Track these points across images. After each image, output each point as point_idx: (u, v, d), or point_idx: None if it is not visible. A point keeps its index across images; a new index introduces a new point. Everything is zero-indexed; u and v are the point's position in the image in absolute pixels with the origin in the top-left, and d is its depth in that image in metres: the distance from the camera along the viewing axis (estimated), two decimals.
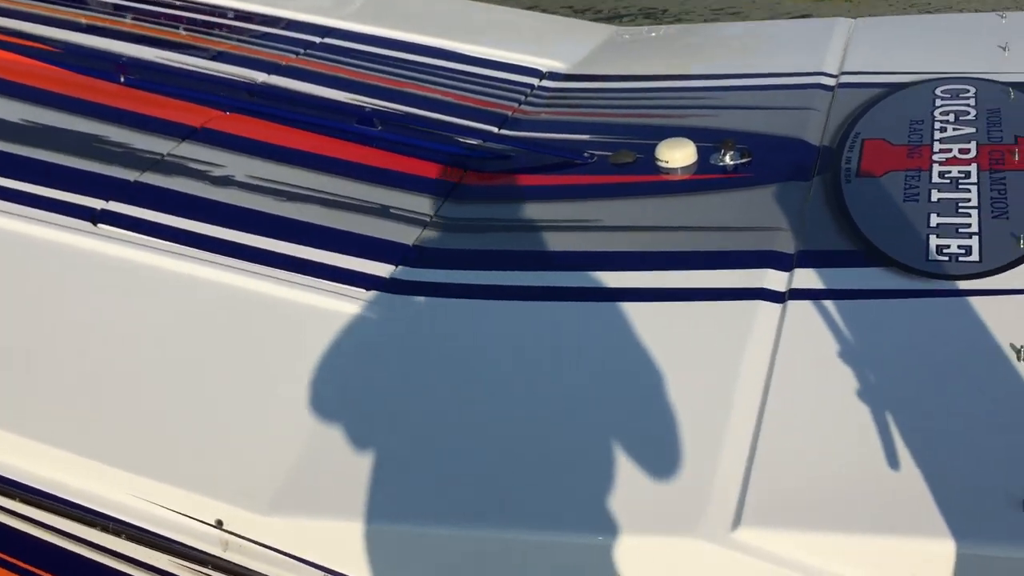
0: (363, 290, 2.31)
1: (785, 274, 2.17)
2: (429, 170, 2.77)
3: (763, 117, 2.84)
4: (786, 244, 2.26)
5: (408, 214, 2.58)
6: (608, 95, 3.14)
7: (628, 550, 1.68)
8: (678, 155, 2.63)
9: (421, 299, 2.31)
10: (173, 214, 2.53)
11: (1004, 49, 3.01)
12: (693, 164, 2.62)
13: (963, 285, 2.04)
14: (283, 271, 2.36)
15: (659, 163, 2.64)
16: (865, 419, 1.77)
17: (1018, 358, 1.83)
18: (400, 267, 2.38)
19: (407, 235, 2.50)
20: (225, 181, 2.67)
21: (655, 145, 2.68)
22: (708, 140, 2.69)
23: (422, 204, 2.62)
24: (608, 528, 1.71)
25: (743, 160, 2.60)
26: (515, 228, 2.51)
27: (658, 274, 2.25)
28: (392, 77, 3.24)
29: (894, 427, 1.73)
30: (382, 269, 2.38)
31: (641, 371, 2.01)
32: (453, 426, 1.95)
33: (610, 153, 2.75)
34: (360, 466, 1.88)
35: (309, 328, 2.23)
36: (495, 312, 2.25)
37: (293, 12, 3.62)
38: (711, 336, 2.06)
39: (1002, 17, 3.27)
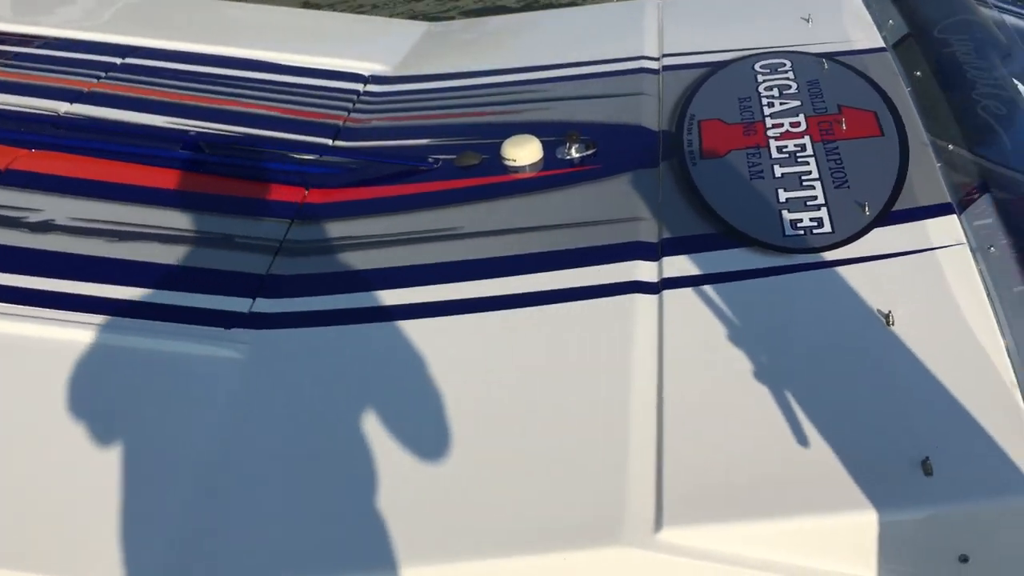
0: (223, 329, 2.18)
1: (654, 264, 2.19)
2: (269, 192, 2.63)
3: (598, 106, 2.86)
4: (649, 233, 2.29)
5: (256, 242, 2.44)
6: (438, 95, 3.08)
7: (552, 569, 1.66)
8: (524, 153, 2.61)
9: (287, 331, 2.19)
10: None
11: (807, 20, 3.15)
12: (540, 160, 2.61)
13: (823, 257, 2.12)
14: (129, 319, 2.18)
15: (506, 162, 2.62)
16: (761, 399, 1.81)
17: (887, 323, 1.92)
18: (258, 299, 2.25)
19: (259, 264, 2.36)
20: (45, 226, 2.44)
21: (499, 144, 2.66)
22: (551, 134, 2.68)
23: (269, 230, 2.49)
24: (527, 548, 1.68)
25: (589, 152, 2.61)
26: (371, 245, 2.42)
27: (528, 278, 2.23)
28: (210, 95, 3.05)
29: (791, 404, 1.78)
30: (239, 304, 2.24)
31: (530, 381, 1.98)
32: (346, 465, 1.86)
33: (454, 156, 2.70)
34: (252, 526, 1.77)
35: (170, 379, 2.08)
36: (367, 336, 2.17)
37: (85, 32, 3.35)
38: (594, 336, 2.05)
39: None
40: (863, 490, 1.62)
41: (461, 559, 1.68)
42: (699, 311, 2.04)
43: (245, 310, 2.23)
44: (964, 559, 1.60)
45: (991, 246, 2.02)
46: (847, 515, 1.60)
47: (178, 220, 2.49)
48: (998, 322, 1.88)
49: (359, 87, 3.20)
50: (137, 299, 2.23)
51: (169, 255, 2.36)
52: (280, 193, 2.63)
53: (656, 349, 1.98)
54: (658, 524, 1.65)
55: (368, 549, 1.70)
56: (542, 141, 2.64)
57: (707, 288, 2.09)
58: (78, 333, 2.12)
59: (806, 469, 1.68)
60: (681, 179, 2.44)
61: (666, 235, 2.27)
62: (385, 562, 1.68)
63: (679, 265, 2.17)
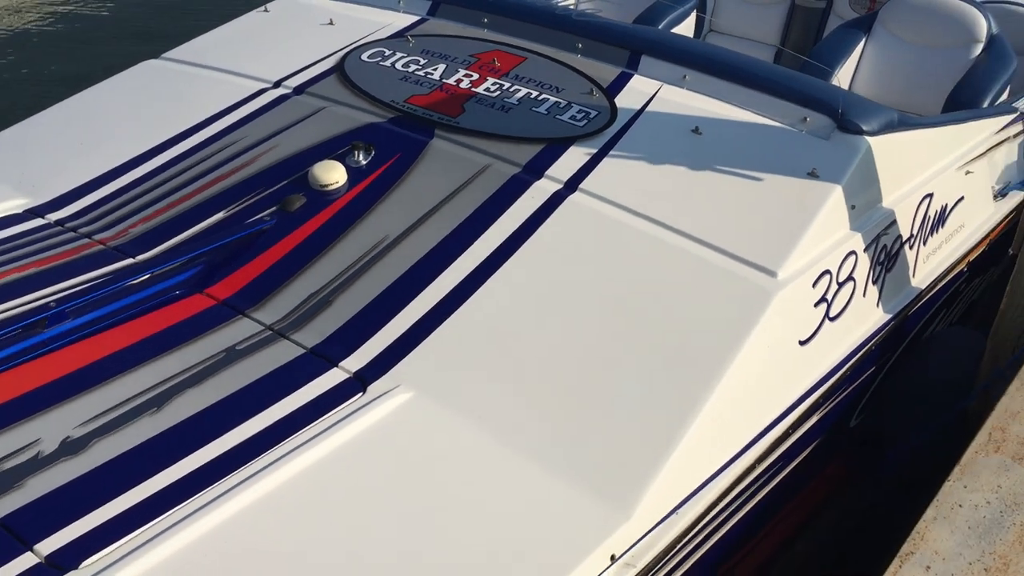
0: (361, 393, 2.28)
1: (545, 180, 2.88)
2: (180, 314, 2.51)
3: (305, 131, 3.17)
4: (510, 169, 2.93)
5: (251, 342, 2.41)
6: (164, 177, 3.01)
7: (764, 343, 2.46)
8: (336, 174, 2.92)
9: (413, 355, 2.38)
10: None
11: (331, 24, 3.81)
12: (346, 177, 2.95)
13: (618, 124, 3.08)
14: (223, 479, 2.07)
15: (327, 188, 2.90)
16: (699, 187, 2.81)
17: (699, 133, 3.02)
18: (341, 363, 2.36)
19: (287, 350, 2.40)
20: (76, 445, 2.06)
21: (291, 185, 2.91)
22: (317, 158, 3.01)
23: (238, 332, 2.45)
24: (740, 344, 2.44)
25: (372, 153, 3.03)
26: (342, 283, 2.59)
27: (489, 234, 2.72)
28: None
29: (720, 178, 2.80)
30: (345, 374, 2.33)
31: (624, 284, 2.61)
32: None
33: (272, 210, 2.85)
34: None
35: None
36: (455, 331, 2.48)
37: None
38: (590, 232, 2.72)
39: (267, 10, 4.00)
40: (806, 192, 2.77)
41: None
42: (614, 179, 2.86)
43: (352, 372, 2.33)
44: (853, 207, 2.88)
45: (685, 75, 3.23)
46: (819, 209, 2.73)
47: (167, 370, 2.30)
48: (734, 105, 3.12)
49: (48, 218, 2.91)
50: (242, 440, 2.14)
51: (209, 395, 2.24)
52: (187, 310, 2.53)
53: (624, 210, 2.76)
54: (772, 273, 2.56)
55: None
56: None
57: (596, 168, 2.90)
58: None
59: (770, 201, 2.75)
60: (467, 134, 3.07)
61: (524, 163, 2.94)
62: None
63: (560, 170, 2.91)
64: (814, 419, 2.73)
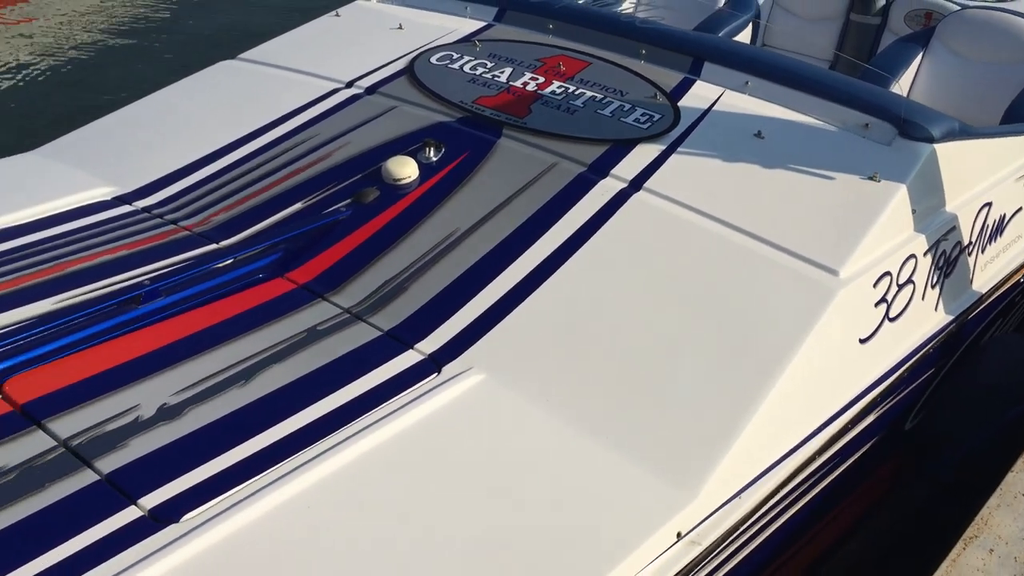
0: (435, 375, 2.38)
1: (609, 179, 2.97)
2: (261, 297, 2.63)
3: (376, 129, 3.29)
4: (576, 168, 3.02)
5: (330, 324, 2.53)
6: (238, 172, 3.14)
7: (824, 335, 2.53)
8: (409, 169, 3.03)
9: (481, 343, 2.47)
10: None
11: (401, 28, 3.94)
12: (418, 172, 3.06)
13: (680, 128, 3.16)
14: (306, 449, 2.16)
15: (400, 182, 3.01)
16: (762, 182, 2.87)
17: (761, 136, 3.09)
18: (416, 345, 2.46)
19: (364, 332, 2.50)
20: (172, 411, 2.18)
21: (359, 180, 3.03)
22: (388, 154, 3.12)
23: (316, 314, 2.56)
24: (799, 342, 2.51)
25: (442, 151, 3.14)
26: (420, 269, 2.70)
27: (556, 228, 2.81)
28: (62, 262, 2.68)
29: (777, 172, 2.88)
30: (412, 356, 2.43)
31: (674, 269, 2.69)
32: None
33: (346, 202, 2.96)
34: None
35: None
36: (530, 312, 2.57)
37: None
38: (655, 230, 2.80)
39: (338, 15, 4.14)
40: (868, 195, 2.83)
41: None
42: (678, 179, 2.94)
43: (427, 354, 2.43)
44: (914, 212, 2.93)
45: (747, 81, 3.31)
46: (881, 212, 2.79)
47: (253, 347, 2.42)
48: (796, 111, 3.20)
49: (135, 205, 3.05)
50: (324, 413, 2.24)
51: (293, 370, 2.34)
52: (269, 292, 2.64)
53: (688, 209, 2.84)
54: (834, 272, 2.63)
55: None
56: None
57: (660, 169, 2.98)
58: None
59: (832, 203, 2.82)
60: (534, 134, 3.17)
61: (590, 162, 3.04)
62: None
63: (625, 169, 3.00)
64: (871, 418, 2.79)
